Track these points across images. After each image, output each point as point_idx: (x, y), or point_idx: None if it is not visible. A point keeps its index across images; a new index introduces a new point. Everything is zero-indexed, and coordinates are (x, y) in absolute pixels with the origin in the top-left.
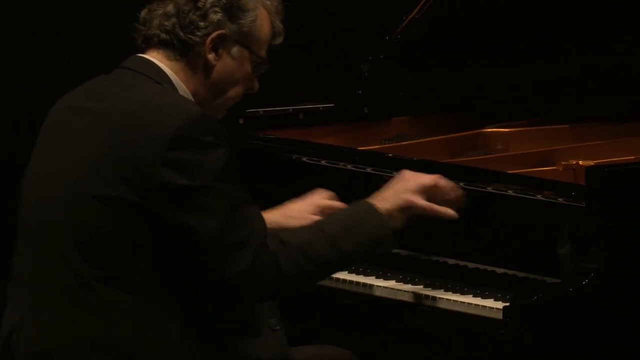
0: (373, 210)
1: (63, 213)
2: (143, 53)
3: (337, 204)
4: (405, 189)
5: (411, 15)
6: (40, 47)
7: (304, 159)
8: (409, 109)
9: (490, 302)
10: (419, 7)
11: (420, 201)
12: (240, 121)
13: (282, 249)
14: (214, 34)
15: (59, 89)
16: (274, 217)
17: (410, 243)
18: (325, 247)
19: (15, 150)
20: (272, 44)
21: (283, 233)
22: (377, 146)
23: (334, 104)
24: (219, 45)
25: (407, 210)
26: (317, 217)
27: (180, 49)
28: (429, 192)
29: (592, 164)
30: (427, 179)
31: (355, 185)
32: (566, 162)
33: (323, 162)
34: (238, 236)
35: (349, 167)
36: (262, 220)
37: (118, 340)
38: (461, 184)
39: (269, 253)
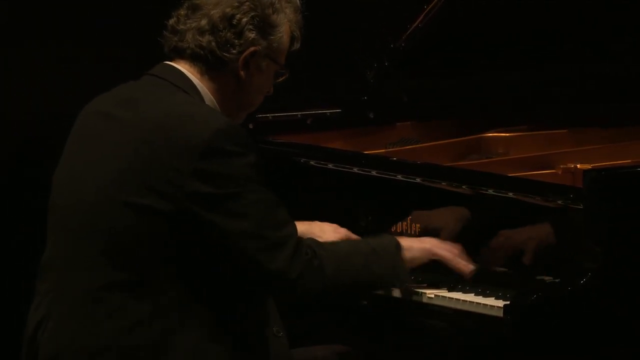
0: (399, 249)
1: (92, 217)
2: (171, 61)
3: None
4: (435, 241)
5: (415, 24)
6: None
7: (312, 162)
8: (412, 114)
9: (491, 301)
10: (422, 15)
11: (445, 252)
12: (251, 126)
13: (325, 255)
14: (248, 51)
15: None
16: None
17: None
18: (359, 264)
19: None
20: (290, 50)
21: (325, 242)
22: (382, 150)
23: (340, 110)
24: (250, 61)
25: (430, 255)
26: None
27: (214, 64)
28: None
29: (590, 167)
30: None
31: (361, 188)
32: (565, 166)
33: (330, 166)
34: (273, 237)
35: (355, 170)
36: (291, 220)
37: (140, 342)
38: (463, 187)
39: (312, 253)
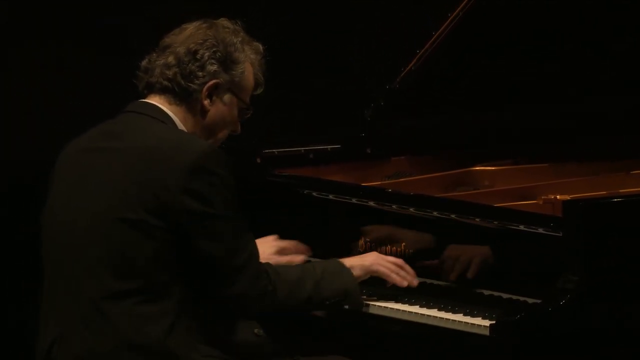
0: (347, 269)
1: (92, 237)
2: (144, 98)
3: (294, 245)
4: (375, 257)
5: (408, 68)
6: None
7: (314, 194)
8: (406, 150)
9: (478, 320)
10: (415, 59)
11: (382, 268)
12: (258, 160)
13: (279, 280)
14: (210, 83)
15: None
16: None
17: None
18: (310, 287)
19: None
20: (254, 93)
21: (279, 267)
22: (379, 182)
23: (340, 145)
24: (213, 92)
25: (370, 272)
26: (278, 259)
27: (180, 95)
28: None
29: (569, 198)
30: (394, 259)
31: (359, 217)
32: (545, 197)
33: (331, 197)
34: (240, 260)
35: (354, 200)
36: (256, 246)
37: (150, 340)
38: (453, 216)
39: (267, 279)
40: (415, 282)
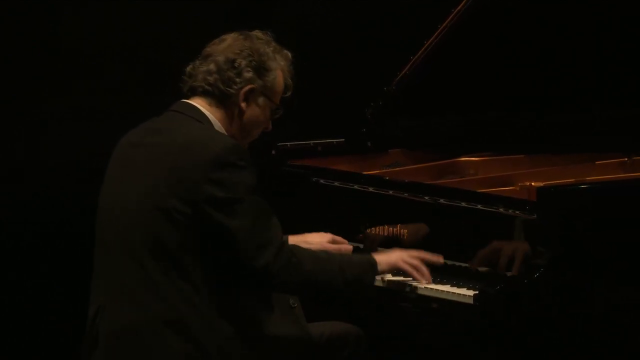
0: (374, 267)
1: (132, 222)
2: (187, 99)
3: (344, 241)
4: (399, 254)
5: (403, 71)
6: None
7: (322, 181)
8: (402, 143)
9: (463, 291)
10: (409, 65)
11: (406, 265)
12: (273, 152)
13: (303, 256)
14: (246, 88)
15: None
16: (295, 239)
17: (404, 246)
18: (334, 269)
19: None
20: (284, 95)
21: (305, 248)
22: (377, 171)
23: (344, 139)
24: (249, 96)
25: (394, 269)
26: (330, 246)
27: (220, 98)
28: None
29: (542, 185)
30: (415, 253)
31: (360, 201)
32: (522, 184)
33: (336, 184)
34: (264, 237)
35: (356, 187)
36: (279, 226)
37: (177, 316)
38: (441, 200)
39: (290, 252)
40: (429, 279)
